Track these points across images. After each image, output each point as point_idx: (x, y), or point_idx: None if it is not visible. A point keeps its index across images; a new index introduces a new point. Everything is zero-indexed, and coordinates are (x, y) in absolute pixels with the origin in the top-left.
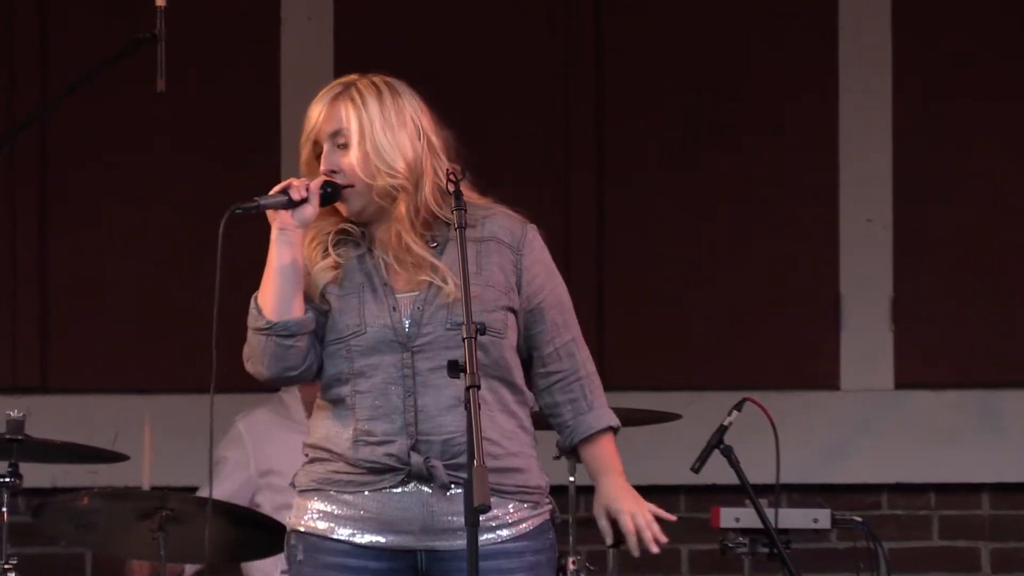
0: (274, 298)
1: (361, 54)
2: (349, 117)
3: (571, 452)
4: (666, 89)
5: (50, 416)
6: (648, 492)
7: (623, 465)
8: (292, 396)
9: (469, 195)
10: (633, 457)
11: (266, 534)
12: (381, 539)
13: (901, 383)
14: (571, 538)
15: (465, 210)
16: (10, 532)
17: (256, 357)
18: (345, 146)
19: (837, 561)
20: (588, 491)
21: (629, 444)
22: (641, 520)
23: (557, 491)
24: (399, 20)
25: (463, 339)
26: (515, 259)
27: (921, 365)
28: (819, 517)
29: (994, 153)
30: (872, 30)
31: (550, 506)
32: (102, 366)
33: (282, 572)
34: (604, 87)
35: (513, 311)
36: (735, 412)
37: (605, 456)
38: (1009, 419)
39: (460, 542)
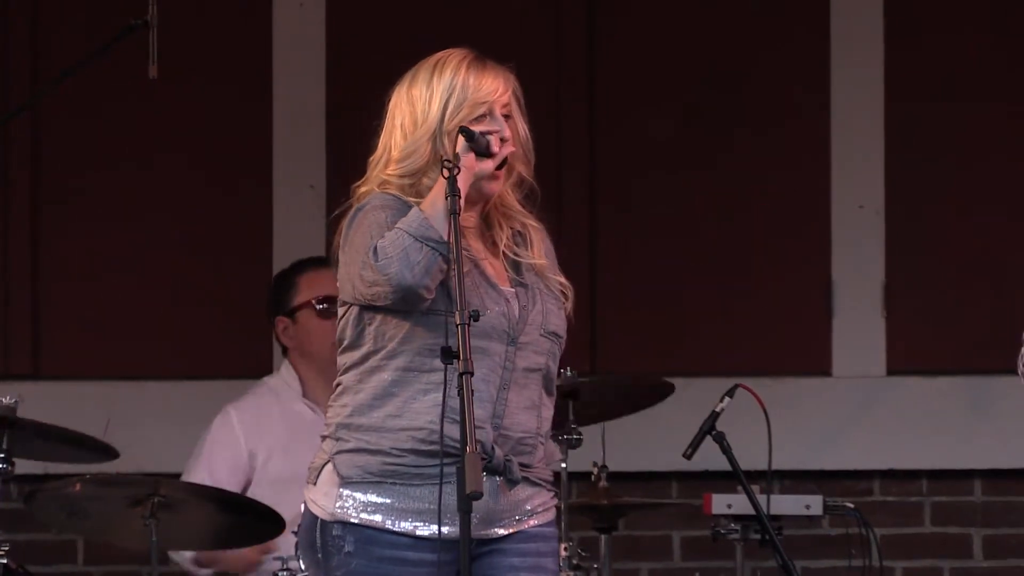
0: (447, 225)
1: (353, 41)
2: (518, 96)
3: None
4: (657, 80)
5: (42, 403)
6: (640, 479)
7: (613, 452)
8: (280, 380)
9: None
10: (625, 444)
11: (256, 520)
12: (444, 529)
13: (893, 369)
14: (563, 524)
15: (460, 196)
16: (2, 519)
17: (406, 262)
18: (507, 118)
19: (829, 547)
20: (580, 477)
21: (621, 430)
22: None
23: None
24: (391, 7)
25: (456, 325)
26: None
27: (913, 351)
28: (811, 503)
29: (985, 140)
30: (864, 18)
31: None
32: (94, 353)
33: (280, 558)
34: (596, 81)
35: None
36: (727, 398)
37: None
38: (1001, 405)
39: (512, 529)
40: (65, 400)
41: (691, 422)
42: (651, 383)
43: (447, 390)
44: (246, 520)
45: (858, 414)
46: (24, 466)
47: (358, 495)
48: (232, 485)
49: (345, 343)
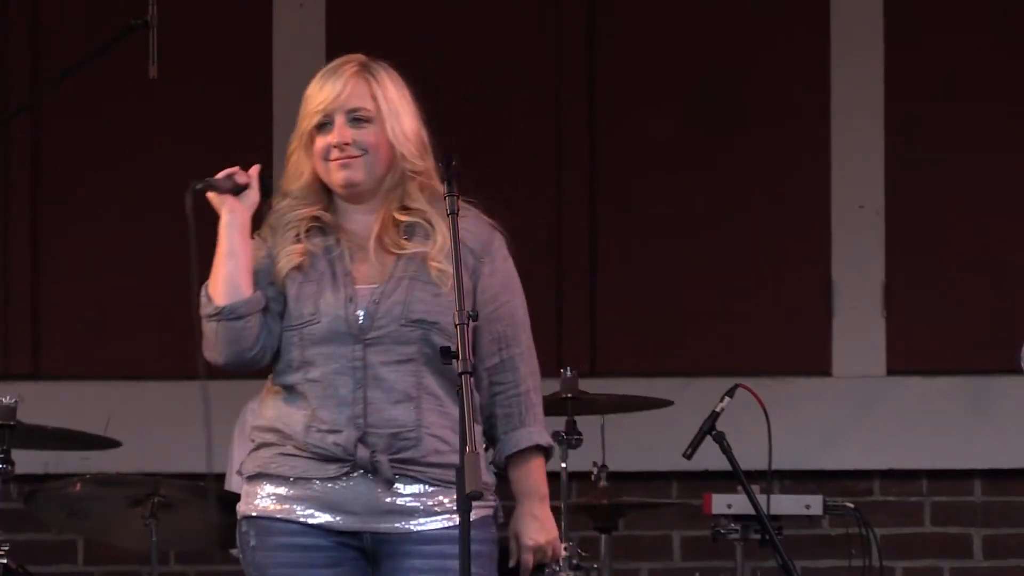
0: (224, 282)
1: (353, 41)
2: (375, 94)
3: (504, 469)
4: (657, 80)
5: (42, 403)
6: (640, 479)
7: (613, 452)
8: None
9: (441, 188)
10: (625, 444)
11: None
12: (330, 519)
13: (893, 369)
14: (563, 524)
15: (458, 196)
16: (2, 519)
17: (211, 344)
18: (367, 121)
19: (829, 547)
20: (580, 477)
21: (621, 430)
22: (540, 557)
23: (549, 477)
24: (391, 7)
25: (456, 325)
26: (475, 265)
27: (913, 351)
28: (811, 503)
29: (985, 140)
30: (864, 18)
31: (495, 503)
32: (94, 353)
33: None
34: (596, 81)
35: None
36: (727, 398)
37: (527, 478)
38: (1001, 405)
39: (403, 524)
40: (65, 400)
41: (691, 422)
42: (649, 401)
43: (306, 399)
44: None
45: (858, 414)
46: (24, 466)
47: (256, 488)
48: None
49: None
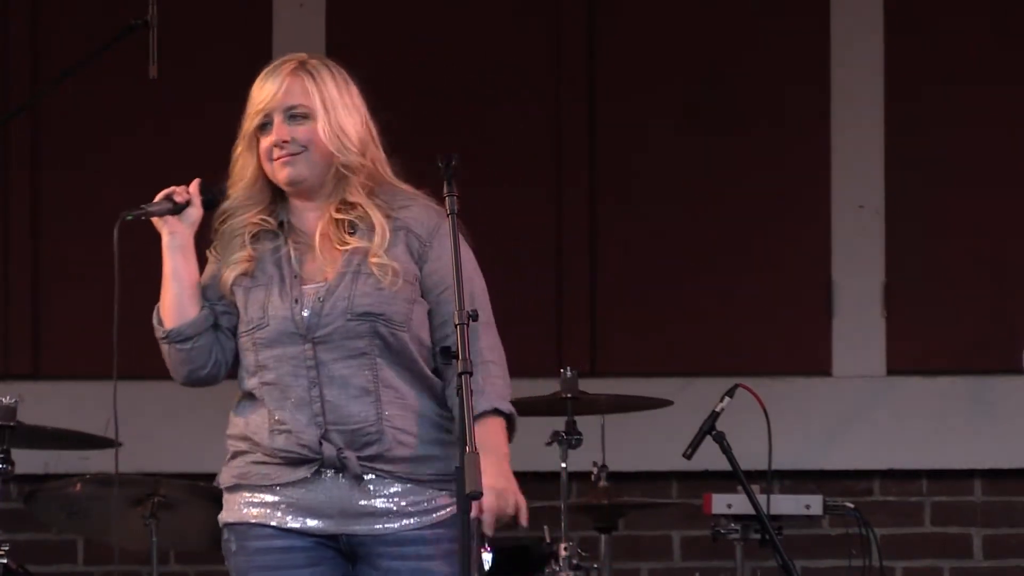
0: (170, 305)
1: (353, 42)
2: (310, 91)
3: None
4: (657, 80)
5: (42, 403)
6: (640, 478)
7: (613, 452)
8: None
9: (393, 181)
10: (625, 444)
11: None
12: (304, 523)
13: (893, 369)
14: (563, 524)
15: (458, 195)
16: (2, 519)
17: (168, 364)
18: (304, 117)
19: (829, 547)
20: (580, 477)
21: (621, 430)
22: (501, 503)
23: (549, 477)
24: (391, 8)
25: (455, 325)
26: (420, 250)
27: (913, 351)
28: (811, 503)
29: (986, 138)
30: (864, 18)
31: None
32: (94, 352)
33: None
34: (596, 81)
35: (418, 302)
36: (727, 398)
37: (486, 438)
38: (1001, 405)
39: (379, 526)
40: (65, 400)
41: (691, 422)
42: (648, 400)
43: (265, 403)
44: None
45: (858, 414)
46: (24, 466)
47: (234, 497)
48: None
49: None
